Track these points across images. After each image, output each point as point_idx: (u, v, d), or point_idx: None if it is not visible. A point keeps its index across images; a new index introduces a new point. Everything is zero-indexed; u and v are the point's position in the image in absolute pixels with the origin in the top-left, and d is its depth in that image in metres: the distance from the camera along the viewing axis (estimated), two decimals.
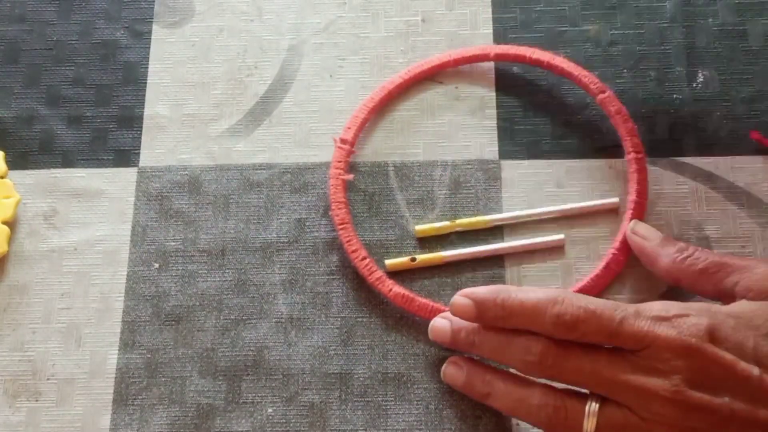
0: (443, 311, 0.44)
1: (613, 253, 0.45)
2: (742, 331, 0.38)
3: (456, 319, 0.42)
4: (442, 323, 0.43)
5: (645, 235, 0.44)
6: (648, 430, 0.37)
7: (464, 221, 0.47)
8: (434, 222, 0.47)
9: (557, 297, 0.39)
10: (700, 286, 0.42)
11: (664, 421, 0.37)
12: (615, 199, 0.47)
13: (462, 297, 0.42)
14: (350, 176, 0.48)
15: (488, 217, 0.47)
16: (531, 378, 0.41)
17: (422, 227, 0.47)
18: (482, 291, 0.41)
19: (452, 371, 0.43)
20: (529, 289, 0.41)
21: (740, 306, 0.40)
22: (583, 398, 0.39)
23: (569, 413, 0.39)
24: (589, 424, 0.38)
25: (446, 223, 0.47)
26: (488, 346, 0.41)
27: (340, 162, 0.48)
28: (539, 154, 0.49)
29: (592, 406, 0.38)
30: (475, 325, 0.42)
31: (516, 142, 0.49)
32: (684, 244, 0.43)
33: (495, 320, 0.41)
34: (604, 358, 0.38)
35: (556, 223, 0.47)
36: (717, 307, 0.39)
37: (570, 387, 0.40)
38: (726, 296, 0.41)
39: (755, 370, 0.37)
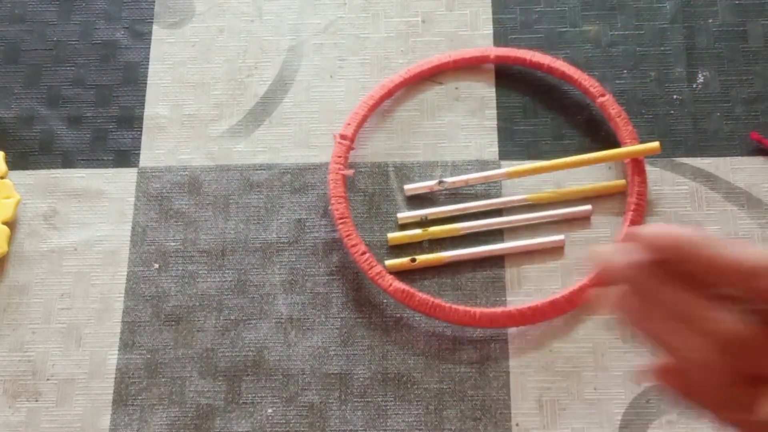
0: (444, 308, 0.44)
1: None
2: None
3: (636, 256, 0.31)
4: (615, 253, 0.31)
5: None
6: None
7: (437, 229, 0.47)
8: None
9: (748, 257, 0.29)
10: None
11: None
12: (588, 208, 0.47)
13: (653, 234, 0.30)
14: (350, 171, 0.48)
15: (459, 225, 0.47)
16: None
17: (394, 235, 0.47)
18: (685, 233, 0.30)
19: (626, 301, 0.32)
20: (739, 242, 0.30)
21: None
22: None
23: (746, 395, 0.30)
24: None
25: (418, 231, 0.47)
26: (670, 303, 0.31)
27: (339, 157, 0.48)
28: (539, 154, 0.49)
29: None
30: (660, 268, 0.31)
31: (516, 142, 0.49)
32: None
33: (694, 273, 0.30)
34: None
35: (555, 223, 0.47)
36: None
37: None
38: None
39: None
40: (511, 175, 0.48)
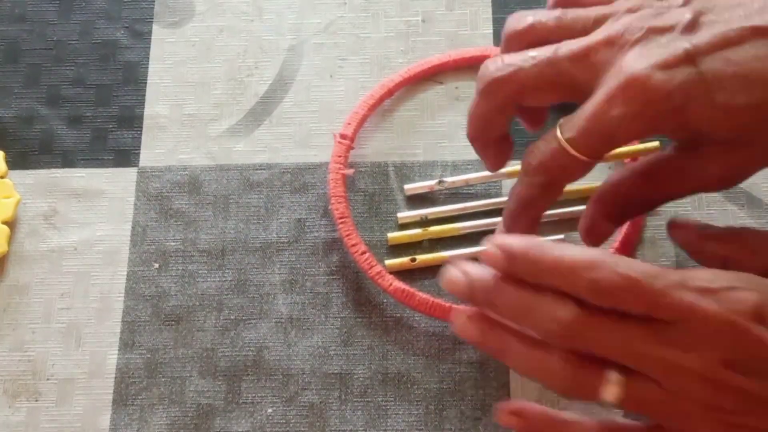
0: (444, 307, 0.44)
1: (613, 253, 0.45)
2: None
3: (474, 272, 0.38)
4: (457, 275, 0.38)
5: (686, 227, 0.42)
6: (675, 404, 0.35)
7: (437, 229, 0.47)
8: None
9: (596, 260, 0.35)
10: (749, 262, 0.39)
11: (692, 397, 0.35)
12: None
13: (494, 246, 0.37)
14: (350, 171, 0.48)
15: (459, 224, 0.47)
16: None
17: (394, 235, 0.47)
18: (517, 242, 0.37)
19: (465, 323, 0.39)
20: (566, 246, 0.37)
21: None
22: (604, 365, 0.36)
23: (590, 378, 0.36)
24: (611, 392, 0.36)
25: (418, 231, 0.47)
26: (509, 308, 0.37)
27: (339, 157, 0.48)
28: None
29: (613, 376, 0.36)
30: (494, 282, 0.37)
31: (516, 142, 0.49)
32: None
33: (524, 275, 0.37)
34: (637, 331, 0.35)
35: (556, 223, 0.47)
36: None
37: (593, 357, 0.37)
38: None
39: None
40: (511, 175, 0.48)
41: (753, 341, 0.34)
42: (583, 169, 0.38)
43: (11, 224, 0.48)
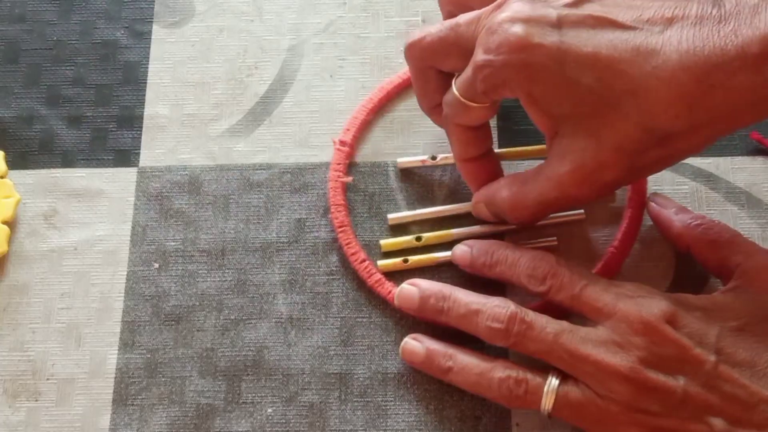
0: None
1: (612, 253, 0.45)
2: (706, 321, 0.39)
3: (425, 286, 0.43)
4: (410, 289, 0.44)
5: (663, 203, 0.45)
6: (604, 408, 0.38)
7: (430, 235, 0.47)
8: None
9: (537, 255, 0.42)
10: (706, 257, 0.43)
11: (620, 398, 0.38)
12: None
13: (464, 245, 0.44)
14: (349, 178, 0.48)
15: (453, 231, 0.47)
16: (493, 356, 0.42)
17: (387, 241, 0.47)
18: (481, 243, 0.44)
19: (412, 346, 0.43)
20: (521, 249, 0.43)
21: (714, 299, 0.40)
22: (545, 374, 0.40)
23: (529, 387, 0.40)
24: (548, 400, 0.39)
25: (411, 238, 0.47)
26: (456, 313, 0.42)
27: (339, 164, 0.48)
28: None
29: (552, 383, 0.39)
30: (445, 292, 0.43)
31: (516, 142, 0.49)
32: (700, 214, 0.44)
33: (483, 267, 0.43)
34: (566, 330, 0.39)
35: (554, 224, 0.47)
36: (687, 297, 0.40)
37: (532, 368, 0.40)
38: (726, 274, 0.42)
39: (711, 357, 0.38)
40: (503, 156, 0.48)
41: (667, 340, 0.38)
42: (482, 112, 0.42)
43: (11, 224, 0.48)
